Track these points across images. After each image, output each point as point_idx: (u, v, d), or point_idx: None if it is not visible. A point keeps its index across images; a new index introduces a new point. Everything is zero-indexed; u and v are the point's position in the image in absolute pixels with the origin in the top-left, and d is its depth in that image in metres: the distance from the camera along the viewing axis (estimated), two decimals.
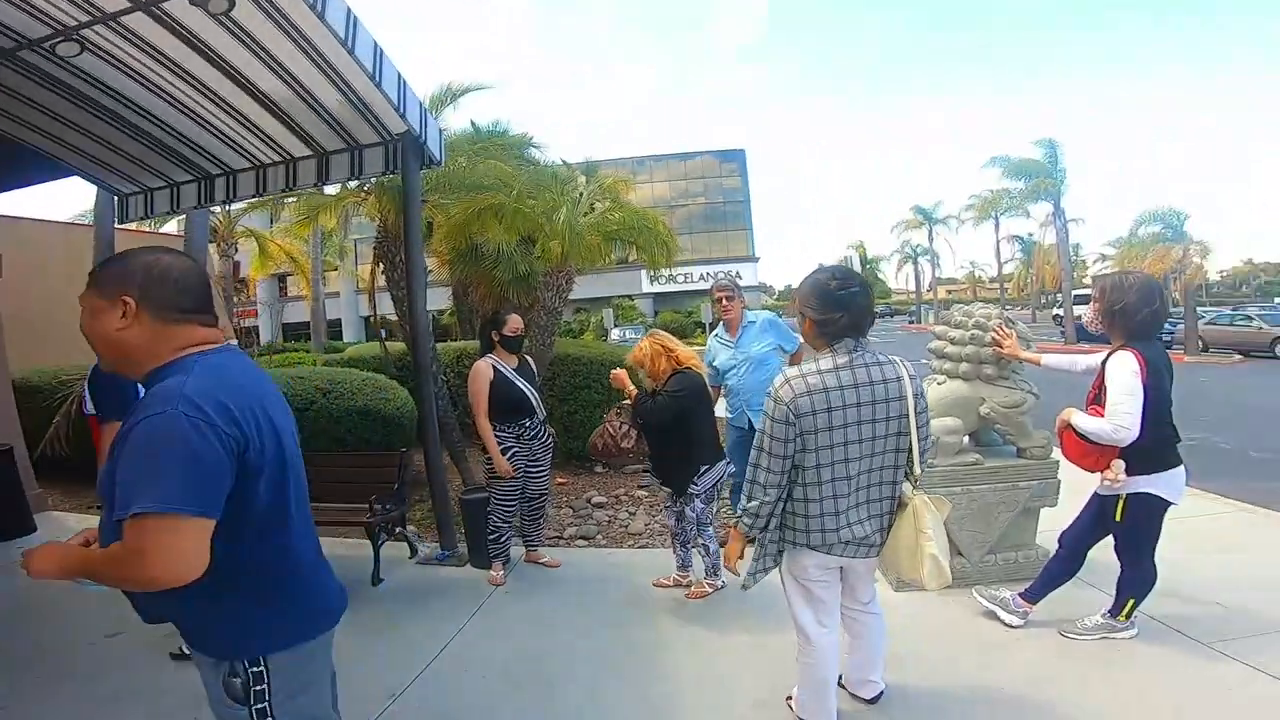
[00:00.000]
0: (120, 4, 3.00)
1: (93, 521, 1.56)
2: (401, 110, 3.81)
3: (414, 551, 4.40)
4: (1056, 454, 3.26)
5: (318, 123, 4.09)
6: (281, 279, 34.37)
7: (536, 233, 6.93)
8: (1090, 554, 2.99)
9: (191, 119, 4.07)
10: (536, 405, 3.94)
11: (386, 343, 7.92)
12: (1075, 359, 3.23)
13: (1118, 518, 2.77)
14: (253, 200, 7.90)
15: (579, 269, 6.60)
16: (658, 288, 38.26)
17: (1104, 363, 2.76)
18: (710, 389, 4.35)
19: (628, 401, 3.57)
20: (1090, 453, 2.72)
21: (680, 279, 35.78)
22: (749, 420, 4.03)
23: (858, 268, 25.13)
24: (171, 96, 3.82)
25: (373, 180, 6.05)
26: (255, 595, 1.34)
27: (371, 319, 7.91)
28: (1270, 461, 6.68)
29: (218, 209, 16.83)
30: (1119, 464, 2.67)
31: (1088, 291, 26.54)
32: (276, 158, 4.57)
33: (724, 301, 4.14)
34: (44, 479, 5.84)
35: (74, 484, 6.15)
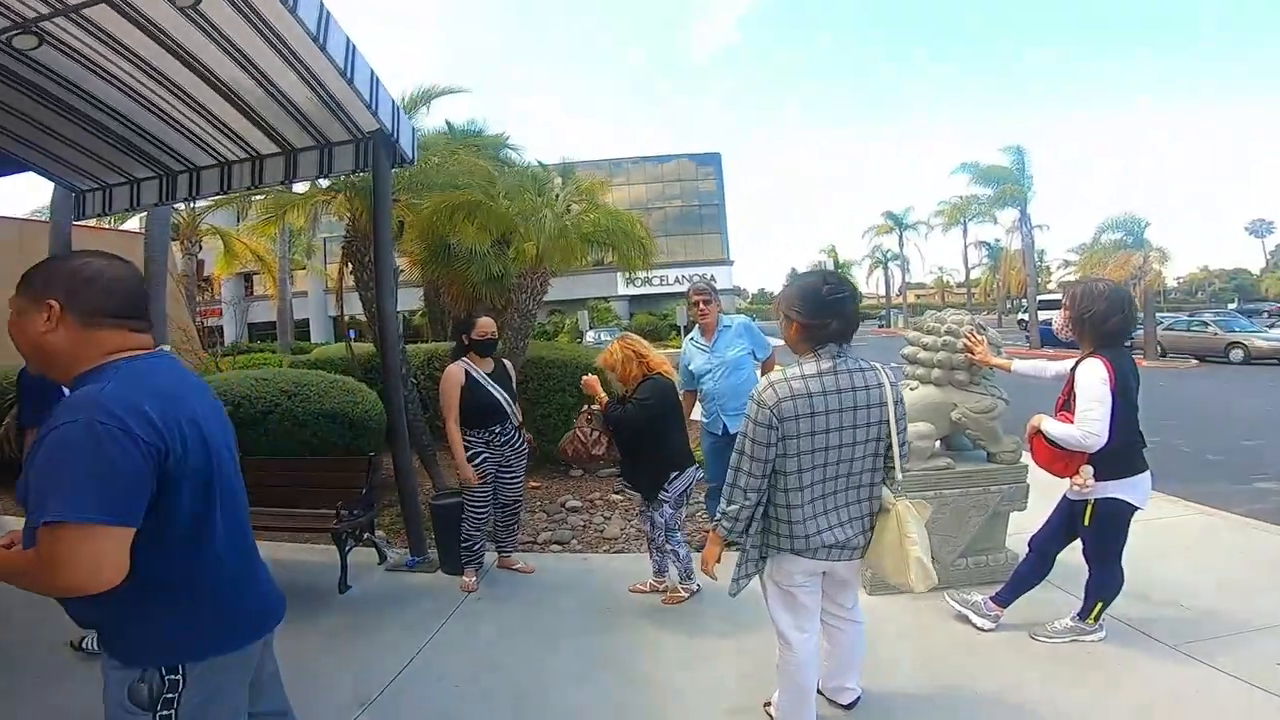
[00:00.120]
0: None
1: None
2: (374, 108, 3.73)
3: (383, 558, 4.32)
4: (1026, 458, 3.30)
5: (286, 119, 3.98)
6: (248, 278, 33.67)
7: (511, 233, 6.85)
8: (1059, 557, 3.03)
9: (154, 114, 3.94)
10: (510, 411, 3.87)
11: (355, 344, 7.75)
12: (1045, 365, 3.28)
13: (1086, 522, 2.82)
14: (218, 198, 7.70)
15: (554, 271, 6.55)
16: (633, 290, 38.31)
17: (1073, 369, 2.80)
18: (685, 393, 4.34)
19: (598, 407, 3.53)
20: (1060, 458, 2.77)
21: (656, 281, 35.89)
22: (724, 425, 4.01)
23: None
24: (133, 91, 3.69)
25: (342, 178, 5.93)
26: (178, 604, 1.33)
27: (340, 319, 7.74)
28: (1226, 464, 6.88)
29: (181, 206, 16.44)
30: (1088, 469, 2.71)
31: (1053, 297, 27.31)
32: (242, 154, 4.45)
33: (700, 305, 4.12)
34: None
35: None
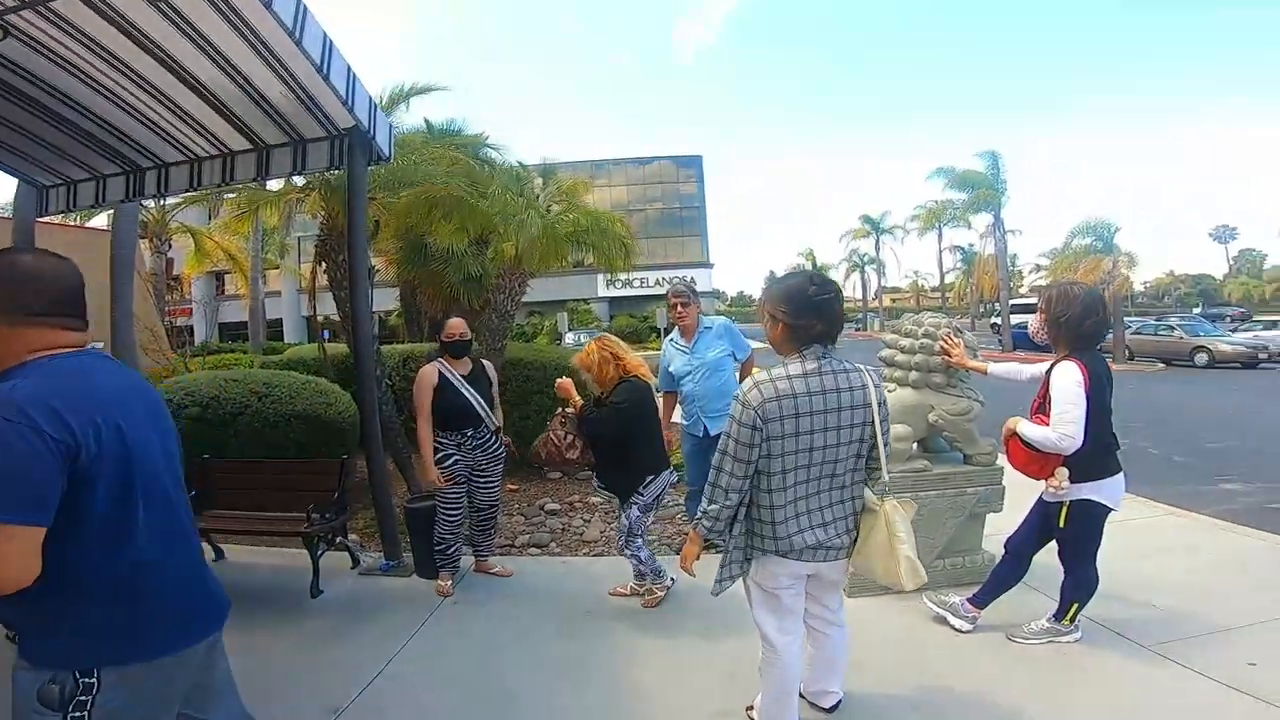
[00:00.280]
0: None
1: None
2: (350, 104, 3.65)
3: (356, 562, 4.24)
4: (1001, 460, 3.33)
5: (259, 115, 3.88)
6: (219, 277, 33.03)
7: (490, 233, 6.77)
8: (1035, 559, 3.06)
9: (122, 109, 3.82)
10: (484, 415, 3.79)
11: (328, 344, 7.62)
12: (1020, 368, 3.31)
13: (1061, 523, 2.84)
14: (188, 195, 7.53)
15: (533, 272, 6.49)
16: (613, 292, 38.27)
17: (1048, 372, 2.83)
18: (666, 395, 4.32)
19: (572, 410, 3.48)
20: (1035, 460, 2.80)
21: (636, 284, 35.91)
22: (704, 427, 3.99)
23: None
24: (101, 86, 3.57)
25: (317, 175, 5.82)
26: (94, 606, 1.31)
27: (313, 319, 7.60)
28: (1193, 466, 7.05)
29: (150, 203, 16.06)
30: (1063, 471, 2.74)
31: (1025, 301, 27.79)
32: (213, 151, 4.33)
33: (679, 308, 4.09)
34: None
35: None
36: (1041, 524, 2.95)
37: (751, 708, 2.45)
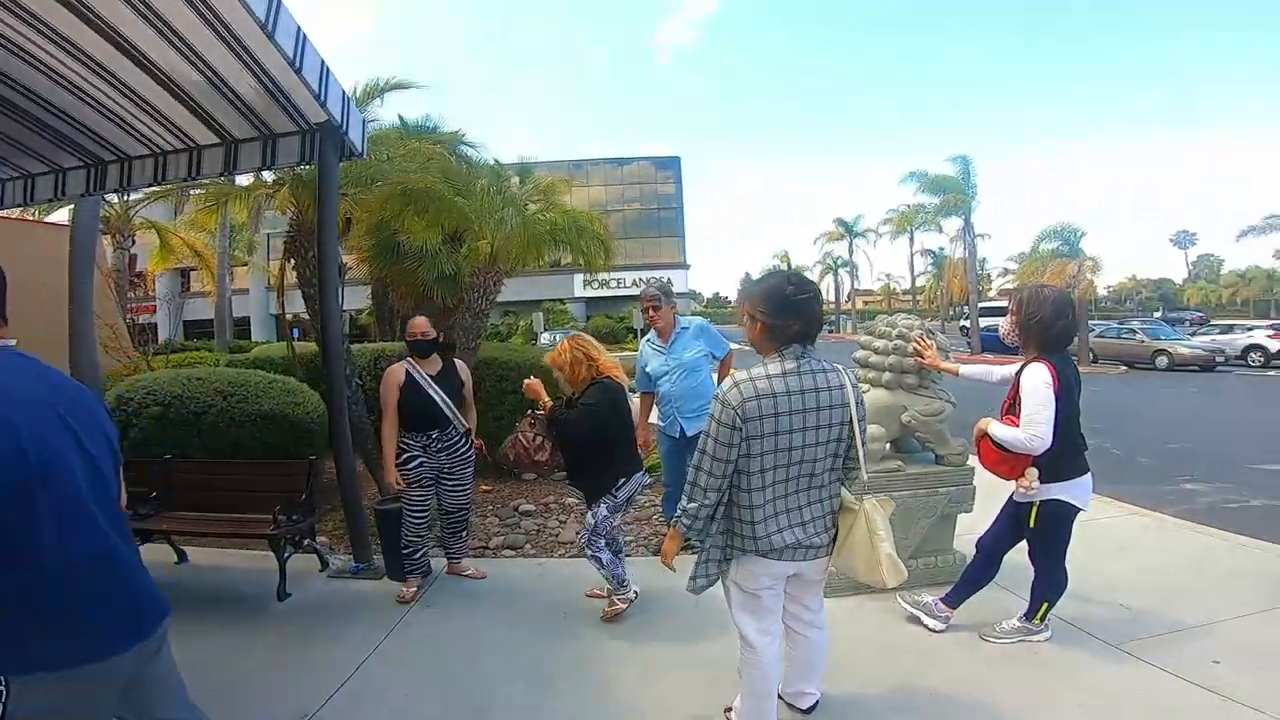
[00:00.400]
0: None
1: None
2: (323, 99, 3.56)
3: (325, 564, 4.16)
4: (973, 461, 3.37)
5: (228, 109, 3.78)
6: (185, 274, 32.19)
7: (464, 230, 6.69)
8: (1005, 558, 3.09)
9: (82, 100, 3.69)
10: (452, 417, 3.71)
11: (297, 343, 7.46)
12: (991, 369, 3.35)
13: (1031, 523, 2.88)
14: (153, 189, 7.29)
15: (509, 271, 6.43)
16: (590, 292, 38.16)
17: (1018, 374, 2.86)
18: (642, 395, 4.29)
19: (541, 411, 3.39)
20: (1006, 460, 2.83)
21: (613, 284, 35.86)
22: (681, 428, 3.98)
23: None
24: (60, 75, 3.44)
25: (288, 170, 5.69)
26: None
27: (282, 318, 7.44)
28: (1155, 466, 7.24)
29: (113, 198, 15.60)
30: (1033, 472, 2.77)
31: (994, 304, 28.22)
32: (179, 145, 4.21)
33: (651, 310, 4.04)
34: None
35: None
36: (1012, 524, 2.99)
37: (730, 709, 2.44)
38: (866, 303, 59.74)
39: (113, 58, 3.27)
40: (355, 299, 13.23)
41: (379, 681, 2.87)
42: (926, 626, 3.11)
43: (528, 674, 2.90)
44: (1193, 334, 24.10)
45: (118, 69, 3.37)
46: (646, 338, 4.29)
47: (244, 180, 7.09)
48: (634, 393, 4.41)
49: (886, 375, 3.61)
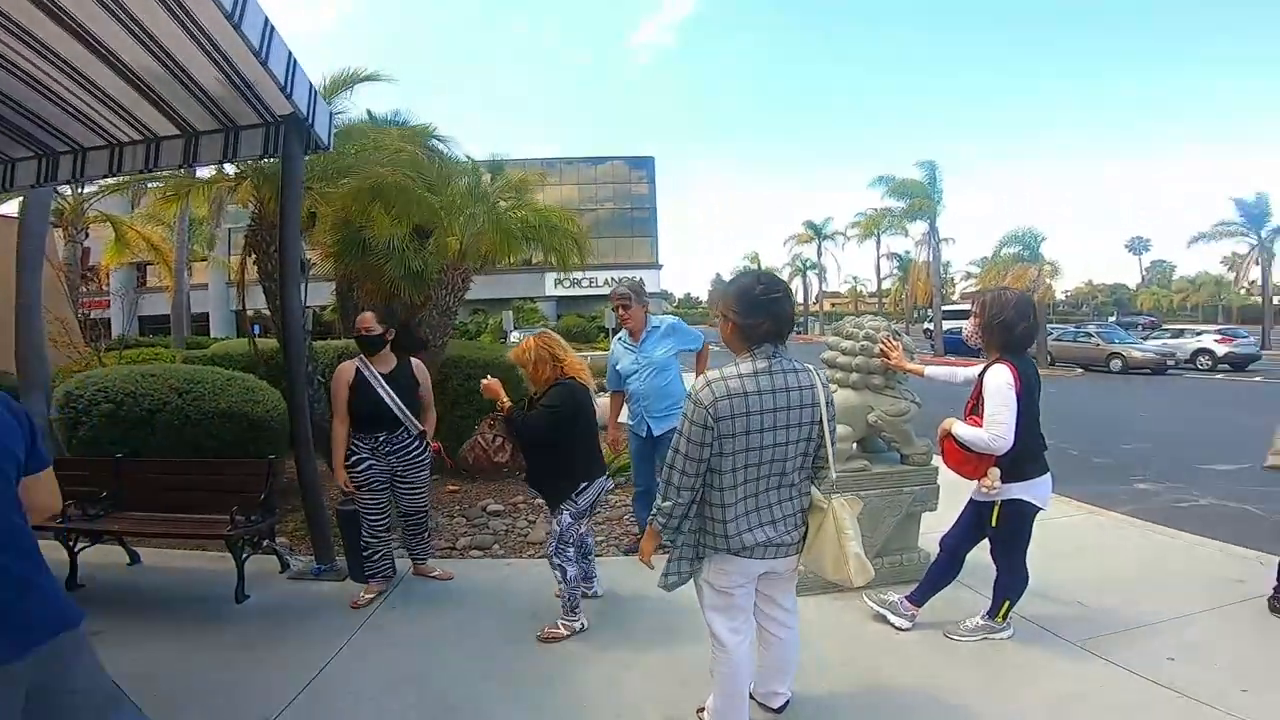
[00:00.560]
0: None
1: None
2: (289, 91, 3.46)
3: (285, 566, 4.05)
4: (936, 460, 3.43)
5: (189, 100, 3.65)
6: (141, 268, 31.16)
7: (432, 226, 6.59)
8: (967, 557, 3.15)
9: (34, 89, 3.54)
10: (402, 418, 3.58)
11: (259, 339, 7.27)
12: (955, 370, 3.41)
13: (993, 523, 2.93)
14: (108, 181, 7.02)
15: (478, 268, 6.35)
16: (561, 291, 37.99)
17: (981, 375, 2.91)
18: (613, 394, 4.27)
19: (501, 412, 3.28)
20: (969, 460, 2.88)
21: (585, 283, 35.73)
22: (648, 427, 3.97)
23: None
24: (9, 62, 3.28)
25: (250, 163, 5.53)
26: None
27: (242, 313, 7.24)
28: (1110, 466, 7.46)
29: (65, 189, 15.00)
30: (995, 471, 2.82)
31: (957, 307, 28.77)
32: (136, 136, 4.07)
33: (621, 310, 4.03)
34: None
35: None
36: (974, 523, 3.05)
37: (703, 709, 2.44)
38: (834, 305, 60.58)
39: (69, 46, 3.14)
40: (319, 295, 12.91)
41: (342, 685, 2.80)
42: (893, 625, 3.15)
43: (494, 675, 2.86)
44: (1145, 338, 24.88)
45: (73, 58, 3.24)
46: (618, 336, 4.28)
47: (205, 173, 6.88)
48: (603, 392, 4.39)
49: (853, 376, 3.65)
